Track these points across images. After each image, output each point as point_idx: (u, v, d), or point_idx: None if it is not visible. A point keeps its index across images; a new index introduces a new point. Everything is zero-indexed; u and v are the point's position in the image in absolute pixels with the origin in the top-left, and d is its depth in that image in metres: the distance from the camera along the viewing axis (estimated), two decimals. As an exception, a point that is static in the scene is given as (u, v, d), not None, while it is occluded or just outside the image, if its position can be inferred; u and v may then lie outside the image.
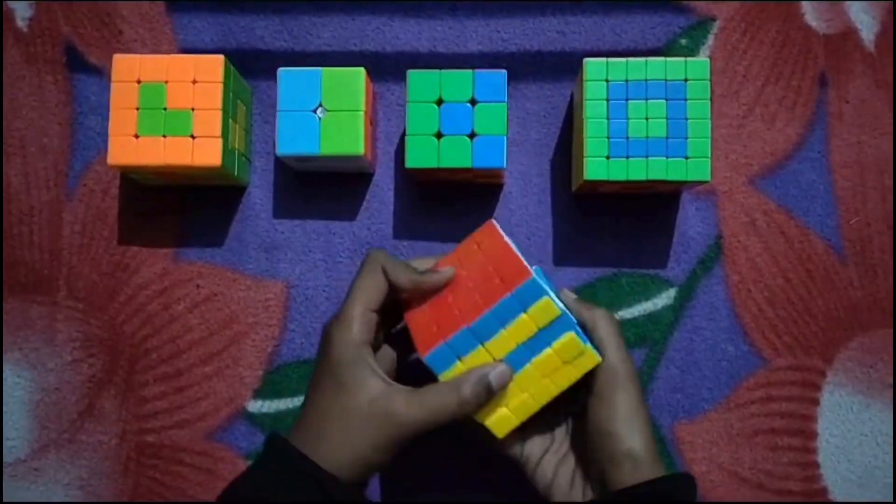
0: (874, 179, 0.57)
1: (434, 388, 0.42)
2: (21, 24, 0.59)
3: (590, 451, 0.45)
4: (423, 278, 0.45)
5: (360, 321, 0.43)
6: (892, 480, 0.55)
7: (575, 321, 0.44)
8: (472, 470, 0.56)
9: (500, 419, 0.44)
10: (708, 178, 0.50)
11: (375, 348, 0.46)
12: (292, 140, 0.52)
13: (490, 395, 0.42)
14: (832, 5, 0.58)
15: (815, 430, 0.56)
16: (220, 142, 0.51)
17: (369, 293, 0.44)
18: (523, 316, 0.42)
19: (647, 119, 0.50)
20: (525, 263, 0.42)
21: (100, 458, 0.56)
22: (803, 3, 0.58)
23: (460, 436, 0.55)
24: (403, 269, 0.45)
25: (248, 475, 0.42)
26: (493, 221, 0.46)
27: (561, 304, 0.44)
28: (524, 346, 0.43)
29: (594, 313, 0.46)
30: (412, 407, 0.41)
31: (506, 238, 0.44)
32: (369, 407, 0.41)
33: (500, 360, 0.43)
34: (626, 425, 0.43)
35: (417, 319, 0.45)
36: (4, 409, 0.56)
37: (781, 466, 0.56)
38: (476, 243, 0.46)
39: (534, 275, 0.42)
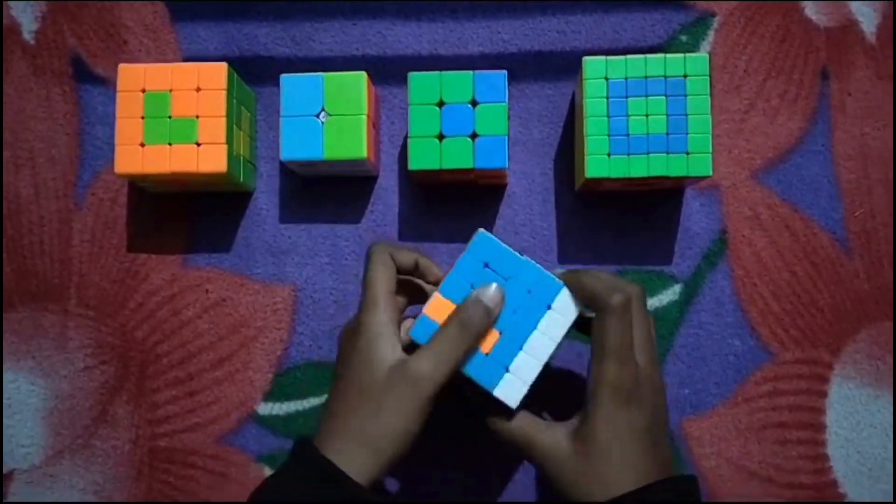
0: (878, 171, 0.57)
1: (436, 333, 0.44)
2: (28, 36, 0.59)
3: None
4: (423, 257, 0.48)
5: (385, 300, 0.45)
6: (902, 472, 0.55)
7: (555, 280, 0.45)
8: (478, 469, 0.56)
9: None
10: (709, 173, 0.50)
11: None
12: (296, 145, 0.52)
13: (489, 316, 0.44)
14: (832, -2, 0.58)
15: (824, 422, 0.56)
16: (224, 148, 0.51)
17: (386, 277, 0.46)
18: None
19: (647, 116, 0.50)
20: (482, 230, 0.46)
21: (113, 464, 0.57)
22: (803, -4, 0.58)
23: (465, 434, 0.55)
24: (406, 252, 0.47)
25: (272, 482, 0.43)
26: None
27: (524, 259, 0.46)
28: (518, 314, 0.45)
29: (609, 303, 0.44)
30: (424, 359, 0.42)
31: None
32: (389, 376, 0.42)
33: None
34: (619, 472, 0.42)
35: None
36: (19, 416, 0.57)
37: (791, 460, 0.55)
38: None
39: (481, 230, 0.45)
